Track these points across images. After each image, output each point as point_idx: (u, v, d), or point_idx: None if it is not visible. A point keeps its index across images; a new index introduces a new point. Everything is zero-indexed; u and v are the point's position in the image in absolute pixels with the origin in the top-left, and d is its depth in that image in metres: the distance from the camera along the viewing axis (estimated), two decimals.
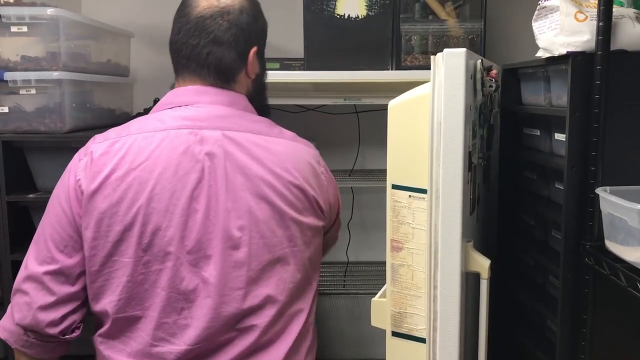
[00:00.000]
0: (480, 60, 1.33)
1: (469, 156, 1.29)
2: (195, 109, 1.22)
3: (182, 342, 1.13)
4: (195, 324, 1.13)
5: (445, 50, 1.19)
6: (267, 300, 1.17)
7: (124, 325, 1.16)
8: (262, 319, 1.16)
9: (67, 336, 1.18)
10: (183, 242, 1.14)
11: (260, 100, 1.35)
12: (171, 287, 1.14)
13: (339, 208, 1.39)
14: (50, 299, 1.15)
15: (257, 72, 1.32)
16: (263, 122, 1.27)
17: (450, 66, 1.19)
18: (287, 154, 1.22)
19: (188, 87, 1.25)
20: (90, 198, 1.14)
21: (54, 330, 1.16)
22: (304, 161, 1.25)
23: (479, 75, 1.32)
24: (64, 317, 1.17)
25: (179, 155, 1.16)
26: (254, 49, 1.28)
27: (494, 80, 1.44)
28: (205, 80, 1.24)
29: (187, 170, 1.15)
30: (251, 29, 1.27)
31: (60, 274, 1.16)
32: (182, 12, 1.26)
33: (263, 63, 1.35)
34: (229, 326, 1.15)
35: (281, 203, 1.18)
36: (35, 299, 1.16)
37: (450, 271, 1.25)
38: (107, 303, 1.15)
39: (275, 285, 1.18)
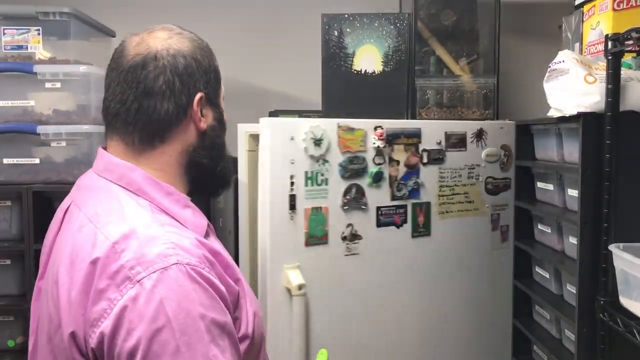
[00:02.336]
0: (311, 125, 1.67)
1: (292, 198, 1.65)
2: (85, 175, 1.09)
3: None
4: None
5: (261, 120, 1.66)
6: None
7: None
8: None
9: None
10: None
11: (213, 157, 1.10)
12: None
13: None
14: None
15: (210, 123, 1.09)
16: (110, 208, 0.97)
17: (265, 132, 1.63)
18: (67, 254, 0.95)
19: (100, 149, 1.08)
20: None
21: None
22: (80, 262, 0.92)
23: (303, 137, 1.66)
24: None
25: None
26: (198, 96, 1.05)
27: (377, 138, 1.77)
28: (127, 139, 1.03)
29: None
30: (190, 72, 1.05)
31: None
32: (111, 65, 1.07)
33: (218, 113, 1.12)
34: None
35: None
36: None
37: (266, 286, 1.64)
38: None
39: None
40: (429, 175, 1.86)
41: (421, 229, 1.86)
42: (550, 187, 1.78)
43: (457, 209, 1.90)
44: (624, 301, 1.32)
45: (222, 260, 0.98)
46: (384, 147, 1.78)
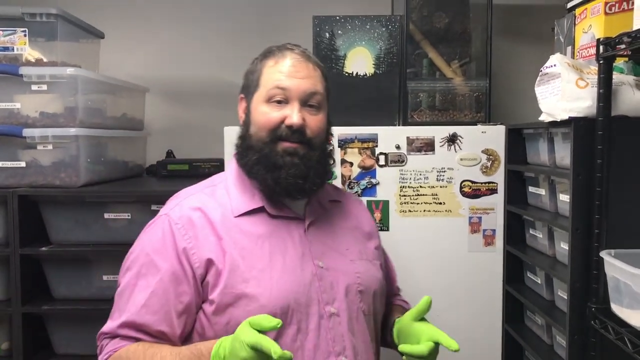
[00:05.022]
0: None
1: None
2: None
3: None
4: None
5: (225, 128, 1.89)
6: None
7: None
8: None
9: None
10: None
11: (240, 146, 1.30)
12: None
13: None
14: None
15: (243, 119, 1.31)
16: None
17: (225, 137, 1.91)
18: None
19: None
20: None
21: None
22: None
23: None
24: None
25: None
26: (240, 96, 1.33)
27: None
28: None
29: None
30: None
31: None
32: None
33: (248, 112, 1.29)
34: None
35: None
36: None
37: None
38: None
39: None
40: (387, 176, 1.98)
41: (378, 224, 1.98)
42: (542, 191, 1.77)
43: (422, 209, 1.98)
44: (615, 308, 1.30)
45: (219, 232, 1.20)
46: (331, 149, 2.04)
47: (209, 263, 1.17)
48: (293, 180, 1.21)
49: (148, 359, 1.12)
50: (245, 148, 1.26)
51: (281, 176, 1.21)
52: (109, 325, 1.18)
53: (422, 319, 1.25)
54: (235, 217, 1.22)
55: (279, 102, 1.22)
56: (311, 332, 1.19)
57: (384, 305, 1.38)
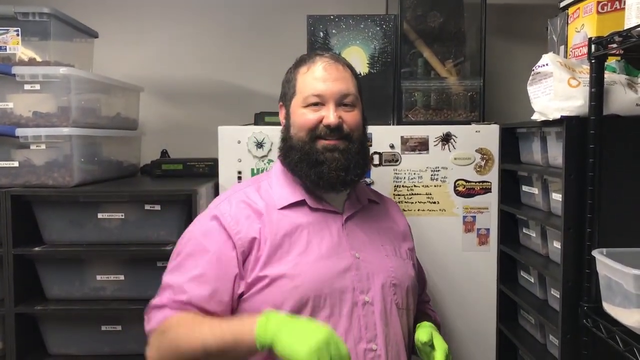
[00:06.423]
0: (254, 131, 1.95)
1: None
2: None
3: None
4: None
5: (219, 127, 1.94)
6: None
7: None
8: None
9: None
10: None
11: (282, 148, 1.44)
12: None
13: None
14: None
15: (284, 124, 1.45)
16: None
17: (219, 137, 1.95)
18: None
19: None
20: None
21: None
22: None
23: (246, 141, 1.95)
24: None
25: None
26: (279, 104, 1.49)
27: None
28: None
29: None
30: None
31: None
32: None
33: (288, 117, 1.43)
34: None
35: None
36: None
37: None
38: None
39: None
40: (381, 175, 1.97)
41: None
42: (535, 190, 1.77)
43: (417, 208, 1.98)
44: (607, 307, 1.30)
45: (263, 220, 1.32)
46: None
47: (252, 244, 1.29)
48: (335, 173, 1.33)
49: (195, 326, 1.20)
50: (288, 149, 1.39)
51: (324, 171, 1.33)
52: (157, 299, 1.29)
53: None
54: (279, 209, 1.35)
55: (315, 104, 1.35)
56: (343, 317, 1.27)
57: (416, 304, 1.47)
